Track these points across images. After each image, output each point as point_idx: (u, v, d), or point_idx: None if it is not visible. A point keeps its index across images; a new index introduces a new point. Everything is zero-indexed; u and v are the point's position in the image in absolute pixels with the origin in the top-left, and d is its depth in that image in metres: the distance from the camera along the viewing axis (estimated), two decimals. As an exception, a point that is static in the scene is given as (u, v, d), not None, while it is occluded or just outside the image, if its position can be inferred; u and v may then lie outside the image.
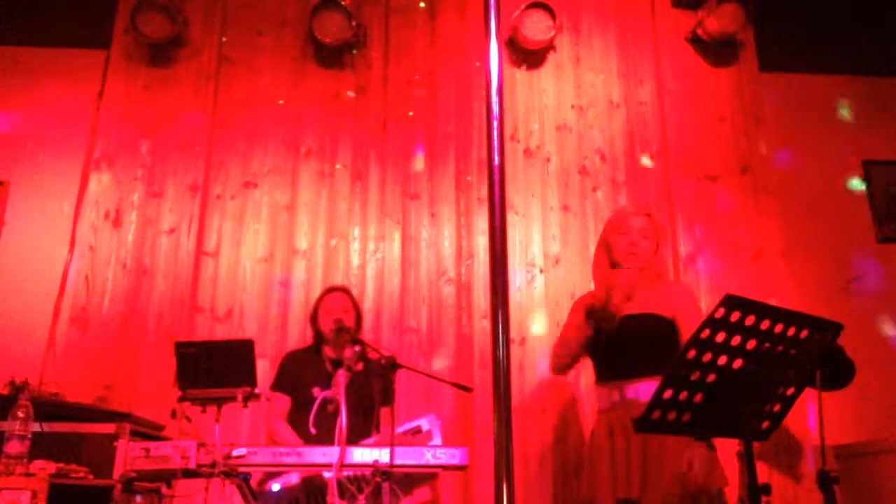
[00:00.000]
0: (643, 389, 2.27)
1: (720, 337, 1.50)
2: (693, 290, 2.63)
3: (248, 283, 3.72)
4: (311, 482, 2.63)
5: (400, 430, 2.65)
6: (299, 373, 3.08)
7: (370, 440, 2.70)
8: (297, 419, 2.96)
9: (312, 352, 3.18)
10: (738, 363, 1.54)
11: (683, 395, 1.55)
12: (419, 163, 3.93)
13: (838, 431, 3.42)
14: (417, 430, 2.66)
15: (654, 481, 2.14)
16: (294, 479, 2.65)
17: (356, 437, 2.60)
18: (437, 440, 2.67)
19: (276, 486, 2.63)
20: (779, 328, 1.53)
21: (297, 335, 3.58)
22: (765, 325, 1.52)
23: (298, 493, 2.65)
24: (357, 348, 2.57)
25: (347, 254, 3.79)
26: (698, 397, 1.56)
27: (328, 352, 3.14)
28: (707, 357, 1.52)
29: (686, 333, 2.32)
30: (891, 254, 4.13)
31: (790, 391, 1.65)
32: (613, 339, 2.39)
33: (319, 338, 3.17)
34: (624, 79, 4.13)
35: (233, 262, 3.75)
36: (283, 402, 3.06)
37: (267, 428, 3.10)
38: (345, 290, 3.30)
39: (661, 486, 2.13)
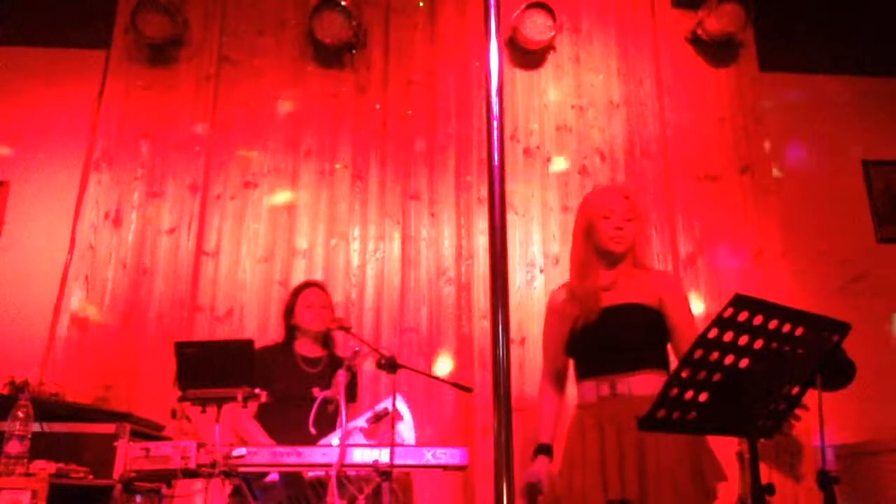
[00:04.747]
0: (636, 383, 2.19)
1: (728, 336, 1.49)
2: (678, 277, 2.48)
3: (248, 283, 3.72)
4: (291, 481, 2.60)
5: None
6: (270, 369, 2.97)
7: (335, 434, 2.64)
8: (266, 416, 2.90)
9: (283, 347, 3.10)
10: (744, 362, 1.54)
11: (689, 395, 1.54)
12: (419, 163, 3.93)
13: (838, 431, 3.43)
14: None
15: (654, 481, 2.07)
16: (272, 477, 2.62)
17: (323, 432, 2.55)
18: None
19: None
20: (786, 328, 1.52)
21: (297, 335, 3.58)
22: (773, 324, 1.51)
23: (280, 493, 2.62)
24: (357, 347, 2.56)
25: (347, 254, 3.79)
26: (704, 396, 1.55)
27: (299, 348, 3.08)
28: (714, 356, 1.51)
29: (675, 320, 2.25)
30: (891, 254, 4.14)
31: (795, 390, 1.65)
32: (597, 333, 2.28)
33: (292, 333, 3.11)
34: (624, 79, 4.13)
35: (233, 262, 3.75)
36: None
37: (233, 423, 2.96)
38: (323, 287, 3.24)
39: (660, 484, 2.06)
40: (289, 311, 3.15)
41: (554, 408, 2.44)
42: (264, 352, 3.09)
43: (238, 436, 2.95)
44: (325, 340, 3.13)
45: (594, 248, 2.36)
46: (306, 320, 3.07)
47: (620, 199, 2.39)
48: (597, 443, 2.19)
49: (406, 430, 2.65)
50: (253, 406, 2.94)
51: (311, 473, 2.54)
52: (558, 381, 2.46)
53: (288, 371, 2.98)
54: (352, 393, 3.02)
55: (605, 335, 2.28)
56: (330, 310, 3.15)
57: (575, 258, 2.43)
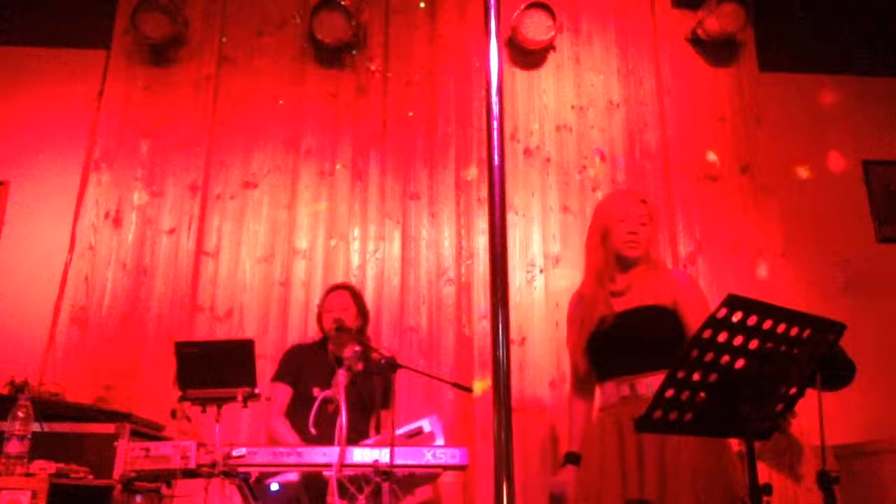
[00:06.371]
0: (657, 383, 2.17)
1: (722, 337, 1.49)
2: (693, 277, 2.47)
3: (248, 283, 3.72)
4: (311, 480, 2.63)
5: (401, 431, 2.64)
6: (302, 367, 3.07)
7: (370, 441, 2.70)
8: (296, 415, 2.94)
9: (318, 347, 3.17)
10: (740, 363, 1.54)
11: (685, 395, 1.54)
12: (419, 163, 3.93)
13: (838, 431, 3.42)
14: (419, 432, 2.64)
15: (673, 481, 2.04)
16: (292, 476, 2.65)
17: (355, 436, 2.60)
18: (440, 441, 2.66)
19: (274, 486, 2.63)
20: (781, 328, 1.52)
21: (297, 335, 3.58)
22: (767, 324, 1.51)
23: (299, 491, 2.65)
24: (358, 348, 2.57)
25: (347, 254, 3.79)
26: (700, 397, 1.55)
27: (333, 350, 3.13)
28: (709, 357, 1.51)
29: (690, 319, 2.24)
30: (891, 254, 4.14)
31: (792, 391, 1.65)
32: (615, 336, 2.28)
33: (325, 336, 3.17)
34: (624, 79, 4.13)
35: (233, 262, 3.75)
36: (284, 394, 3.04)
37: (266, 423, 3.08)
38: (347, 288, 3.28)
39: (679, 485, 2.03)
40: (319, 315, 3.22)
41: (583, 415, 2.42)
42: (298, 349, 3.21)
43: (269, 436, 2.98)
44: (360, 341, 3.13)
45: (610, 252, 2.37)
46: (328, 324, 3.10)
47: (637, 203, 2.40)
48: (616, 442, 2.18)
49: None
50: (284, 403, 3.01)
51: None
52: (586, 387, 2.45)
53: (321, 370, 2.99)
54: (386, 399, 3.02)
55: (623, 337, 2.28)
56: (351, 311, 3.16)
57: (590, 264, 2.44)
